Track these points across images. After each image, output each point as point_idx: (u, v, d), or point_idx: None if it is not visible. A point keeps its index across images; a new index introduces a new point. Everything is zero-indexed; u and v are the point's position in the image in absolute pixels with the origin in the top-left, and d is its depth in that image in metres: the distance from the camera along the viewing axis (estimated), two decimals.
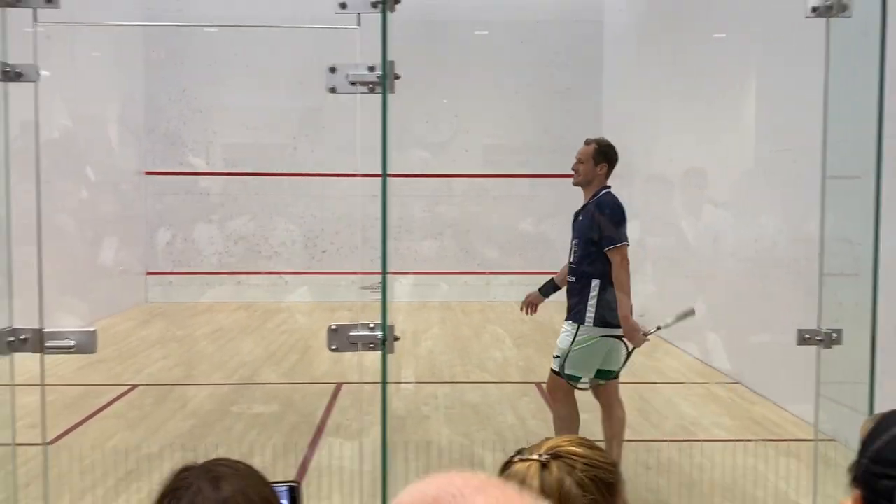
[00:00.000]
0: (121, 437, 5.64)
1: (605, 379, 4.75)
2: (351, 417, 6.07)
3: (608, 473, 1.47)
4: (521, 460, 1.46)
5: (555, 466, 1.42)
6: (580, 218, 4.74)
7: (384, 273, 2.76)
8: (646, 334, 4.55)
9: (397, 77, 2.62)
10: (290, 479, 1.45)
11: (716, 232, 8.26)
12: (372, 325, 2.68)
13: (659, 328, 4.62)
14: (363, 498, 4.14)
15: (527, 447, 1.50)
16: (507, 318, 10.43)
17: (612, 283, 4.55)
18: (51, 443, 5.27)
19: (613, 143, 4.79)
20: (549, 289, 5.00)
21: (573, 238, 4.76)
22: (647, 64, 10.40)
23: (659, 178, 9.71)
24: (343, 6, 2.58)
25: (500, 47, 12.51)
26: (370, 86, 2.62)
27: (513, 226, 12.41)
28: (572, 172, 4.76)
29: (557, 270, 5.00)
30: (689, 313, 4.65)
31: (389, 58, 2.60)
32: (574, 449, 1.46)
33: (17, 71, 2.72)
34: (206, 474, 1.41)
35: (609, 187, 4.72)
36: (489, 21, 12.43)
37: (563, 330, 4.70)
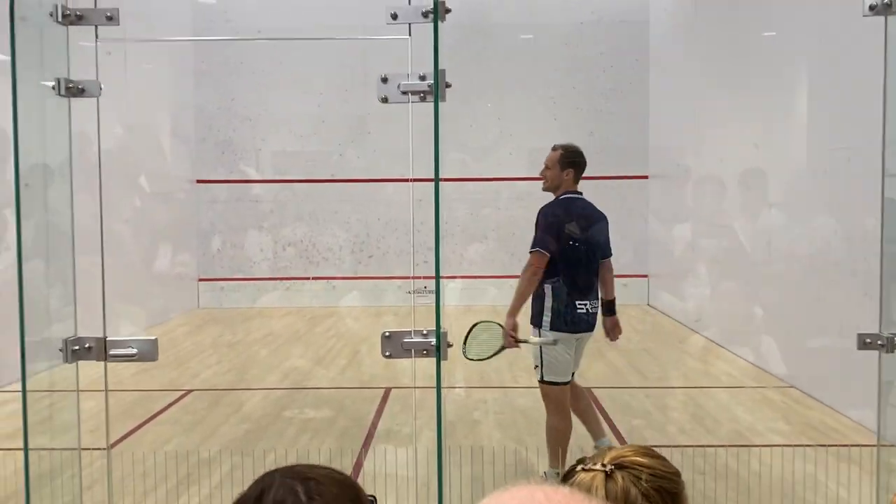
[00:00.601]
0: (177, 441, 5.75)
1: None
2: (401, 422, 6.10)
3: (672, 483, 1.45)
4: (585, 470, 1.45)
5: (620, 477, 1.41)
6: None
7: (437, 277, 2.76)
8: (517, 342, 4.57)
9: (448, 86, 2.63)
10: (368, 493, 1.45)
11: (769, 233, 8.11)
12: (425, 332, 2.68)
13: (527, 341, 4.64)
14: (418, 502, 4.16)
15: (588, 456, 1.49)
16: None
17: (565, 284, 4.57)
18: (111, 447, 5.39)
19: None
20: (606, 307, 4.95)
21: None
22: (694, 63, 10.25)
23: (710, 179, 9.57)
24: (394, 17, 2.60)
25: (544, 50, 12.47)
26: (421, 95, 2.64)
27: None
28: (541, 177, 4.82)
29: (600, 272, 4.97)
30: (551, 343, 4.64)
31: (439, 66, 2.61)
32: (638, 459, 1.45)
33: (81, 87, 2.80)
34: (291, 473, 1.39)
35: (580, 193, 4.76)
36: (533, 24, 12.39)
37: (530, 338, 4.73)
